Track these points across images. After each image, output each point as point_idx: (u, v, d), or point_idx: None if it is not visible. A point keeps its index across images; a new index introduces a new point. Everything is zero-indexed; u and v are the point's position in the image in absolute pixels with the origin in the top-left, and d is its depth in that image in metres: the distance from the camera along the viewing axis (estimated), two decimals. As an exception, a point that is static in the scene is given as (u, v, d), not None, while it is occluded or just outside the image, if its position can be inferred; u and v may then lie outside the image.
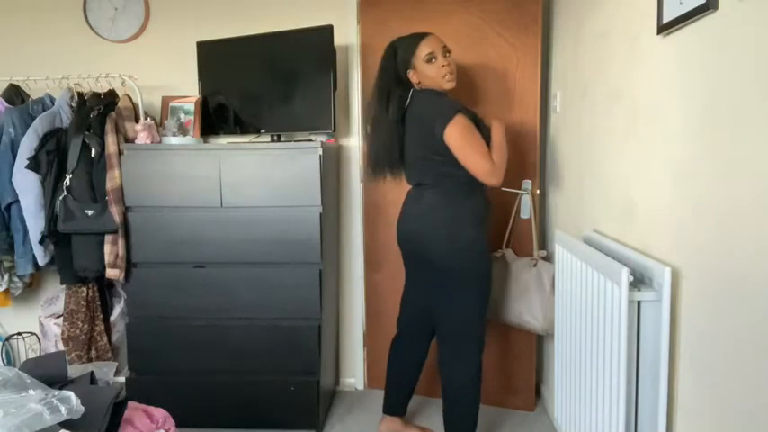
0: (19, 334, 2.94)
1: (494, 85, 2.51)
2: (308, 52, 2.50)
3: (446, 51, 2.05)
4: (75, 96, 2.60)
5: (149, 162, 2.41)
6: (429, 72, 2.04)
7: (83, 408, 1.22)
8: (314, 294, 2.39)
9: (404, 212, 2.16)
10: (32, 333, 2.93)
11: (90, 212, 2.40)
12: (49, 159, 2.44)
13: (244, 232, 2.39)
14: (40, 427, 1.13)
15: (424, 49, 2.03)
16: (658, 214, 1.45)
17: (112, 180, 2.39)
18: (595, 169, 1.96)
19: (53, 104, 2.58)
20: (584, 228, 2.06)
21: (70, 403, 1.19)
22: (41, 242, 2.47)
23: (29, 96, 2.66)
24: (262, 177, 2.37)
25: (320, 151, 2.33)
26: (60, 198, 2.41)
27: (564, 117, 2.37)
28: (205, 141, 2.70)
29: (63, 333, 2.54)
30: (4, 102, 2.59)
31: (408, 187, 2.18)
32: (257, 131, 2.64)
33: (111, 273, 2.41)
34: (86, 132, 2.42)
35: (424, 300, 2.17)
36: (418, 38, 2.05)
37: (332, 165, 2.62)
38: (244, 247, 2.39)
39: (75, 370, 1.55)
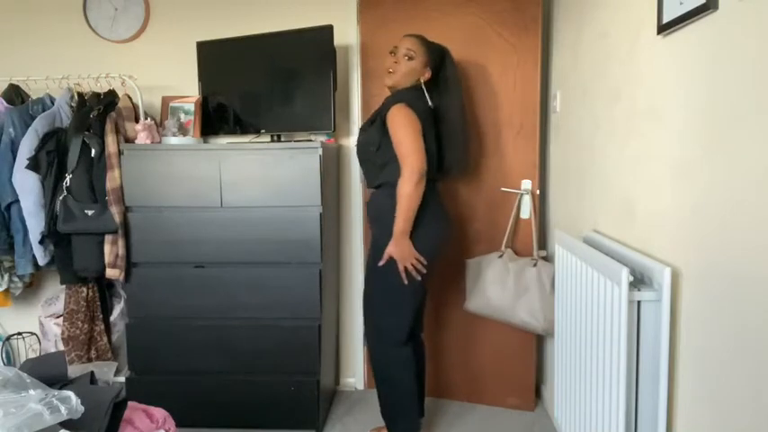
0: (19, 334, 2.94)
1: (494, 86, 2.51)
2: (308, 52, 2.50)
3: (406, 53, 2.10)
4: (75, 96, 2.59)
5: (149, 162, 2.41)
6: (384, 61, 2.18)
7: (83, 408, 1.22)
8: (314, 294, 2.39)
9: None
10: (32, 333, 2.93)
11: (90, 212, 2.40)
12: (49, 159, 2.43)
13: (244, 232, 2.39)
14: (40, 427, 1.13)
15: (398, 42, 2.15)
16: (658, 214, 1.45)
17: (112, 180, 2.39)
18: (595, 169, 1.96)
19: (53, 104, 2.58)
20: (584, 228, 2.06)
21: (70, 403, 1.19)
22: (41, 242, 2.47)
23: (29, 96, 2.66)
24: (262, 177, 2.37)
25: (320, 151, 2.33)
26: (60, 198, 2.41)
27: (564, 117, 2.37)
28: (205, 141, 2.70)
29: (63, 333, 2.54)
30: (4, 102, 2.59)
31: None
32: (257, 131, 2.64)
33: (111, 273, 2.41)
34: (86, 132, 2.42)
35: None
36: (406, 35, 2.17)
37: (332, 165, 2.62)
38: (244, 247, 2.39)
39: (75, 370, 1.55)
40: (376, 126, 2.08)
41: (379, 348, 2.17)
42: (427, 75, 2.13)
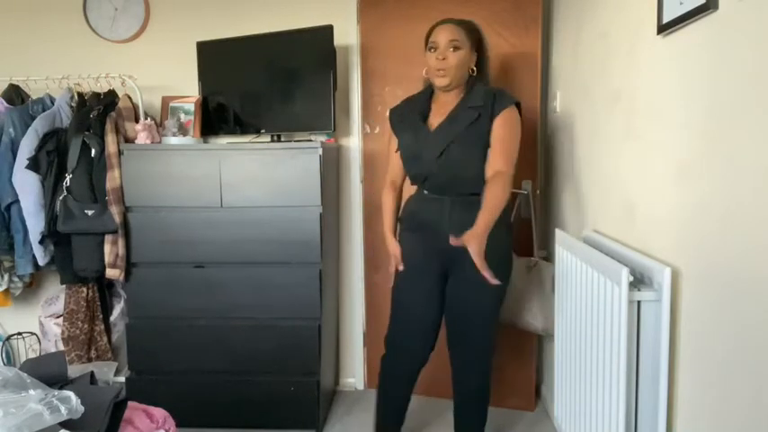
0: (19, 334, 2.94)
1: (494, 85, 2.51)
2: (308, 52, 2.50)
3: (451, 45, 1.85)
4: (75, 96, 2.59)
5: (149, 162, 2.41)
6: (427, 61, 1.92)
7: (83, 408, 1.22)
8: (314, 294, 2.39)
9: None
10: (32, 333, 2.93)
11: (90, 212, 2.40)
12: (49, 159, 2.44)
13: (244, 232, 2.39)
14: (40, 427, 1.13)
15: (431, 36, 1.90)
16: (658, 214, 1.45)
17: (112, 180, 2.39)
18: (595, 169, 1.96)
19: (53, 104, 2.58)
20: (584, 228, 2.06)
21: (70, 403, 1.19)
22: (41, 242, 2.47)
23: (29, 96, 2.66)
24: (262, 177, 2.37)
25: (320, 151, 2.33)
26: (60, 198, 2.41)
27: (564, 117, 2.37)
28: (205, 141, 2.70)
29: (63, 333, 2.54)
30: (4, 102, 2.59)
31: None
32: (257, 131, 2.64)
33: (111, 273, 2.41)
34: (86, 132, 2.42)
35: None
36: (436, 23, 1.92)
37: (332, 165, 2.62)
38: (244, 247, 2.39)
39: (75, 370, 1.55)
40: (482, 132, 1.88)
41: (488, 367, 2.11)
42: (474, 59, 1.93)
